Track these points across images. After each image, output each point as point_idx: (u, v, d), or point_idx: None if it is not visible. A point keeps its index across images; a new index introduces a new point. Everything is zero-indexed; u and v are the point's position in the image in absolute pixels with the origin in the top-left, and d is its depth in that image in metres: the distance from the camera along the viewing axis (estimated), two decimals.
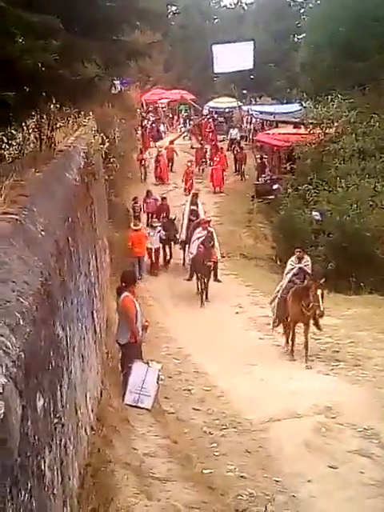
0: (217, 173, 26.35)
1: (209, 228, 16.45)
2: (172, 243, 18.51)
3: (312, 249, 17.72)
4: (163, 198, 20.21)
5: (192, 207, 18.60)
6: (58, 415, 4.26)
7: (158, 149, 27.96)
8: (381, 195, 19.76)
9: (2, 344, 2.84)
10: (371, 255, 17.99)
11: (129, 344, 9.49)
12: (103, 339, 9.91)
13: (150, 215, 20.50)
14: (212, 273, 16.23)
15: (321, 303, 11.44)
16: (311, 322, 11.98)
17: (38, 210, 4.91)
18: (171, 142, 29.61)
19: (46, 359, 3.91)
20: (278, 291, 12.65)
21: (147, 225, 19.48)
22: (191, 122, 37.32)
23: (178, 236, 18.29)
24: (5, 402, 2.55)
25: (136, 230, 17.56)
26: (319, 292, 11.48)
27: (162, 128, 35.52)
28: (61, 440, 4.39)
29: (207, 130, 33.91)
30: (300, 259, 12.62)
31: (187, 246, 17.59)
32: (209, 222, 17.13)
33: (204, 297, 15.87)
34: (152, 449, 7.85)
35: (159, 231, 18.17)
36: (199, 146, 29.70)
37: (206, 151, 29.16)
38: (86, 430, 6.31)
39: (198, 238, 16.22)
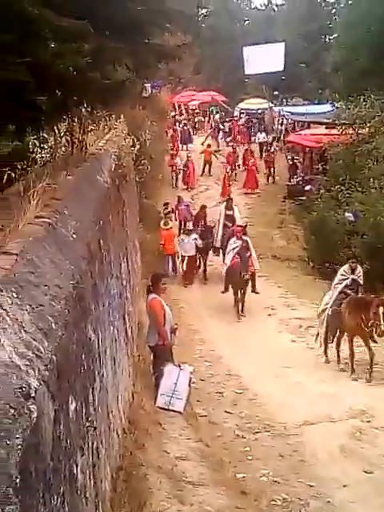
0: (251, 174, 26.32)
1: (244, 237, 15.75)
2: (211, 252, 17.97)
3: (345, 250, 17.50)
4: (202, 206, 19.28)
5: (227, 212, 18.28)
6: (90, 418, 4.26)
7: (187, 155, 27.75)
8: None
9: (35, 348, 2.84)
10: None
11: (158, 346, 9.46)
12: (135, 342, 9.91)
13: (182, 223, 19.95)
14: (250, 283, 15.34)
15: (382, 322, 10.64)
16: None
17: (70, 214, 4.93)
18: (209, 146, 29.45)
19: (78, 362, 3.90)
20: (327, 303, 12.06)
21: (179, 232, 19.04)
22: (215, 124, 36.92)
23: (214, 243, 17.80)
24: (37, 405, 2.53)
25: (167, 229, 17.68)
26: (381, 310, 10.69)
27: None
28: (93, 443, 4.38)
29: (237, 132, 33.78)
30: (353, 270, 12.04)
31: (222, 253, 16.97)
32: (243, 228, 16.62)
33: (240, 309, 14.99)
34: (184, 452, 7.81)
35: (195, 239, 17.50)
36: (219, 148, 29.30)
37: (238, 155, 28.97)
38: (117, 433, 6.31)
39: (233, 249, 15.50)
